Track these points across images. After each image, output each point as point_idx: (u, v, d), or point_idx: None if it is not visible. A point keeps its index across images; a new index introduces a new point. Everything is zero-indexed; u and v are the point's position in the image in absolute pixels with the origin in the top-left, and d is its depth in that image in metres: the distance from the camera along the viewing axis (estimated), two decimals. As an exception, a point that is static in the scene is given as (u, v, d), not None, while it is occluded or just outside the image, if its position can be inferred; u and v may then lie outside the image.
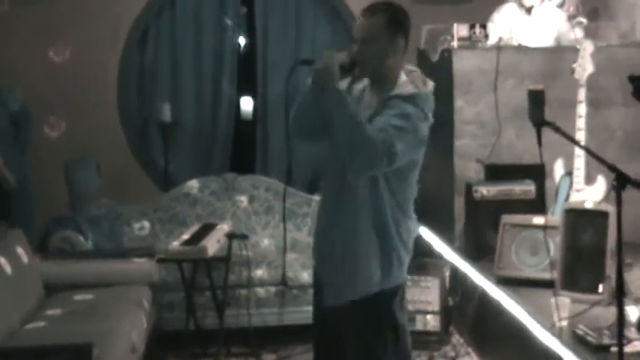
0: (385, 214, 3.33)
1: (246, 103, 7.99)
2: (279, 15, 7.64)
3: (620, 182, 3.00)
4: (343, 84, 3.36)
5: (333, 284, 3.38)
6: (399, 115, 3.19)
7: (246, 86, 7.85)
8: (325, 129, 3.31)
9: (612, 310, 3.51)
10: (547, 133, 3.49)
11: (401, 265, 3.41)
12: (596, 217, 4.29)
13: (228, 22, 7.54)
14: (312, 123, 3.34)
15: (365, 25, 3.29)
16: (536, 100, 3.40)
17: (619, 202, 3.01)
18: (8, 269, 4.72)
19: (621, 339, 3.08)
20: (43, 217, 6.25)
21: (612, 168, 3.05)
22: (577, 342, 3.68)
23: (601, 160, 3.16)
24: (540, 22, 5.89)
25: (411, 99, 3.24)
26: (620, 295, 3.06)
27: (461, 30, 5.62)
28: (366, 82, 3.40)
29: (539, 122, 3.35)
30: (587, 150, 3.44)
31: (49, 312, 4.90)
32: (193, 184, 6.71)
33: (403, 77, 3.34)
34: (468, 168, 5.56)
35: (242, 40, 7.88)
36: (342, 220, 3.35)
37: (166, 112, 7.25)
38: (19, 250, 5.04)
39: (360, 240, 3.34)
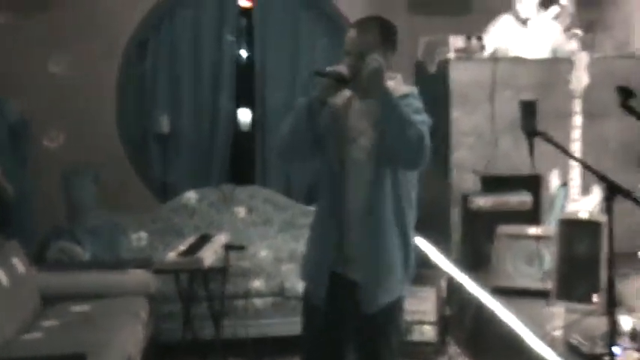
0: (404, 213, 3.43)
1: (245, 115, 8.01)
2: (277, 27, 7.65)
3: (610, 192, 3.01)
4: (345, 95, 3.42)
5: (371, 290, 3.41)
6: (415, 112, 3.29)
7: (245, 97, 7.87)
8: (315, 147, 3.40)
9: (606, 320, 3.52)
10: (543, 144, 3.51)
11: (413, 268, 3.52)
12: (590, 227, 4.31)
13: (230, 37, 7.56)
14: (305, 141, 3.38)
15: (358, 40, 3.35)
16: (528, 110, 3.44)
17: (610, 212, 3.03)
18: (4, 280, 4.74)
19: (612, 349, 3.09)
20: (41, 227, 6.28)
21: (603, 178, 3.07)
22: (570, 351, 3.69)
23: (592, 170, 3.18)
24: (536, 33, 5.90)
25: (413, 96, 3.42)
26: (611, 305, 3.08)
27: (457, 41, 5.63)
28: (348, 91, 3.44)
29: (531, 132, 3.38)
30: (579, 160, 3.46)
31: (46, 323, 4.92)
32: (191, 195, 6.74)
33: (390, 82, 3.40)
34: (464, 179, 5.57)
35: (242, 52, 7.90)
36: (373, 224, 3.38)
37: (165, 124, 7.27)
38: (15, 261, 5.06)
39: (389, 242, 3.40)
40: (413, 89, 3.47)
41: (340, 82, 3.29)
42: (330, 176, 3.44)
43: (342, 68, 3.30)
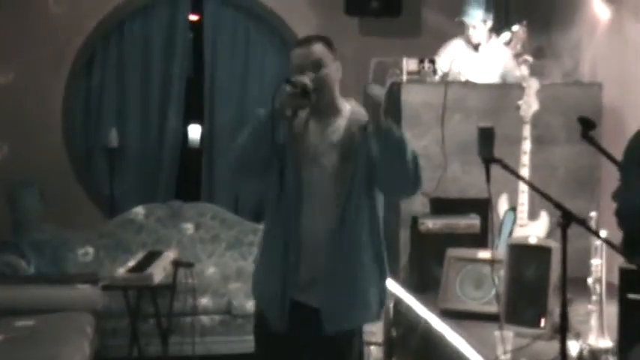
0: (380, 234, 3.45)
1: (194, 131, 7.98)
2: (227, 42, 7.66)
3: (565, 219, 3.06)
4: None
5: (337, 310, 3.37)
6: None
7: (194, 113, 7.85)
8: (270, 163, 3.30)
9: (554, 344, 3.57)
10: (492, 169, 3.54)
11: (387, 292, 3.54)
12: (539, 252, 4.35)
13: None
14: (262, 155, 3.28)
15: (308, 51, 3.34)
16: (486, 137, 3.45)
17: (564, 239, 3.07)
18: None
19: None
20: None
21: (558, 205, 3.12)
22: (520, 375, 3.73)
23: (547, 197, 3.23)
24: (487, 58, 5.97)
25: None
26: (563, 329, 3.13)
27: (410, 64, 5.66)
28: (304, 113, 3.39)
29: (489, 159, 3.41)
30: (535, 187, 3.50)
31: (-10, 337, 4.84)
32: (139, 211, 6.70)
33: (347, 105, 3.41)
34: (413, 201, 5.60)
35: (190, 67, 7.88)
36: (341, 247, 3.35)
37: (113, 138, 7.22)
38: (-42, 275, 4.98)
39: (362, 265, 3.39)
40: None
41: (304, 94, 3.23)
42: (286, 196, 3.35)
43: (306, 79, 3.25)
